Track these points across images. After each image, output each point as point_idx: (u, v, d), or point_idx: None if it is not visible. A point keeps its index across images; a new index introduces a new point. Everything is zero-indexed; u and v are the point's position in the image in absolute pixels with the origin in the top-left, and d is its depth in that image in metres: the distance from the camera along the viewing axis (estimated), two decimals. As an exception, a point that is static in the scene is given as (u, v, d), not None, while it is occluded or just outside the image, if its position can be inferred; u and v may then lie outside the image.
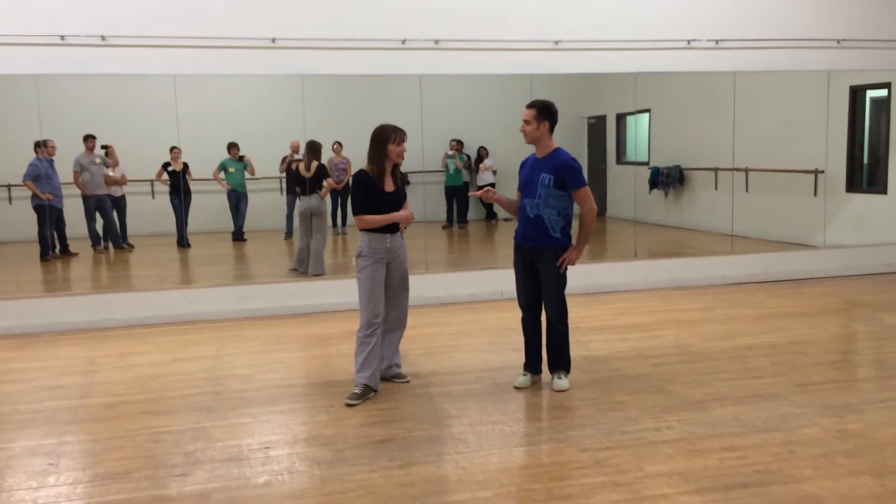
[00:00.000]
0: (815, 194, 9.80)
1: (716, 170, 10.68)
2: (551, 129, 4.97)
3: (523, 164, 5.13)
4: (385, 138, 4.92)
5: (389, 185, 5.01)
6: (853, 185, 9.84)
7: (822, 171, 9.71)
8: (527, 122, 4.91)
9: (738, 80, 9.23)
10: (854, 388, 5.12)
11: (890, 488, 3.55)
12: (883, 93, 9.52)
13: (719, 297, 8.05)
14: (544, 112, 4.93)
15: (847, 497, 3.47)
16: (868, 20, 8.95)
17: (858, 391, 5.07)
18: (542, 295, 5.08)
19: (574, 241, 5.01)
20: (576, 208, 5.01)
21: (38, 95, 7.69)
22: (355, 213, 4.96)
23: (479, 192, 5.04)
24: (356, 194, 4.95)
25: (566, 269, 5.01)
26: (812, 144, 9.76)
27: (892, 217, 9.50)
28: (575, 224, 5.04)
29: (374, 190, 4.94)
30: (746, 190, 10.31)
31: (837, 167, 9.78)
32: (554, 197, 4.91)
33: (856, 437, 4.17)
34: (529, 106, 4.95)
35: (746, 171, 10.22)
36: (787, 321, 6.94)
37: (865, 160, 9.93)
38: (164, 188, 9.99)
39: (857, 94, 9.67)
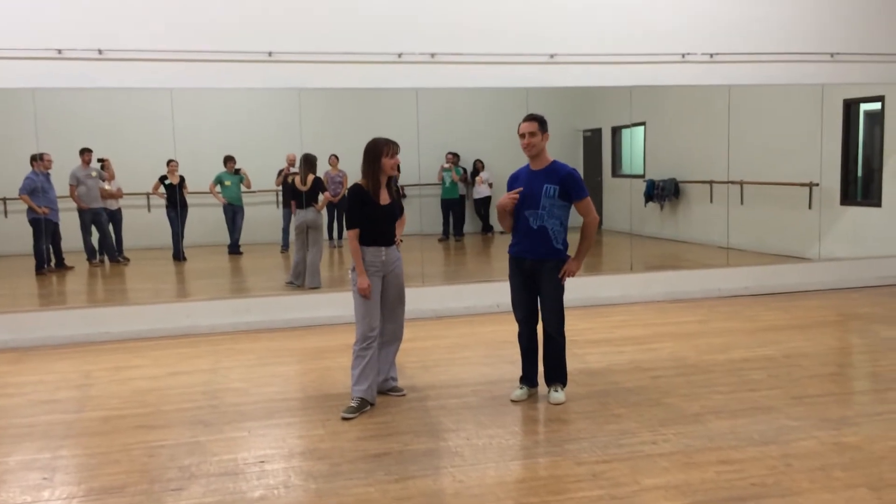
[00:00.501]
0: (809, 207, 9.84)
1: (711, 182, 10.72)
2: None
3: (515, 178, 5.12)
4: (378, 152, 4.94)
5: (385, 199, 5.03)
6: (847, 197, 9.88)
7: (817, 184, 9.75)
8: (532, 134, 4.94)
9: (732, 94, 9.28)
10: (850, 401, 5.12)
11: (887, 501, 3.55)
12: (876, 106, 9.58)
13: (715, 310, 8.06)
14: (544, 124, 4.98)
15: (844, 510, 3.47)
16: (862, 34, 9.01)
17: (855, 404, 5.07)
18: (540, 307, 5.09)
19: (573, 252, 5.04)
20: (571, 220, 5.05)
21: (34, 109, 7.70)
22: (348, 227, 4.98)
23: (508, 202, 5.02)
24: (350, 208, 4.99)
25: (565, 280, 5.04)
26: (806, 157, 9.81)
27: (887, 230, 9.54)
28: (572, 236, 5.06)
29: (369, 204, 4.95)
30: (741, 203, 10.34)
31: (832, 180, 9.83)
32: (558, 207, 4.94)
33: (852, 449, 4.17)
34: (530, 119, 4.97)
35: (741, 183, 10.27)
36: (782, 334, 6.95)
37: (859, 173, 9.98)
38: (160, 201, 9.99)
39: (850, 107, 9.74)
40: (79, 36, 7.18)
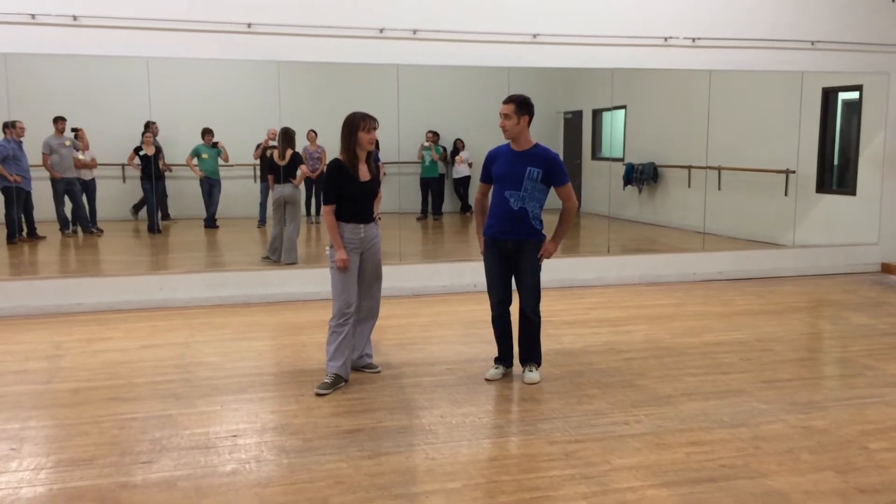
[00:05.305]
0: (785, 194, 9.92)
1: (689, 167, 10.75)
2: (529, 124, 4.97)
3: (494, 157, 5.09)
4: (355, 126, 4.88)
5: (364, 174, 4.98)
6: (823, 185, 9.97)
7: (794, 172, 9.83)
8: (507, 116, 4.90)
9: (713, 79, 9.29)
10: (819, 386, 5.20)
11: (852, 484, 3.61)
12: (854, 95, 9.65)
13: (690, 294, 8.13)
14: (523, 106, 4.92)
15: (811, 492, 3.52)
16: (842, 23, 9.05)
17: (824, 389, 5.15)
18: (518, 287, 5.09)
19: (549, 234, 5.05)
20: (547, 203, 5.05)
21: (6, 75, 7.53)
22: (324, 202, 4.92)
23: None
24: (326, 182, 4.95)
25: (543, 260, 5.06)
26: (784, 145, 9.88)
27: (861, 218, 9.65)
28: (548, 218, 5.07)
29: (349, 179, 4.90)
30: (719, 188, 10.40)
31: (808, 168, 9.90)
32: (539, 191, 4.95)
33: (820, 433, 4.23)
34: (508, 101, 4.93)
35: (719, 169, 10.31)
36: (756, 318, 7.02)
37: (836, 161, 10.07)
38: (135, 173, 9.85)
39: (829, 95, 9.79)
40: (53, 1, 7.01)
